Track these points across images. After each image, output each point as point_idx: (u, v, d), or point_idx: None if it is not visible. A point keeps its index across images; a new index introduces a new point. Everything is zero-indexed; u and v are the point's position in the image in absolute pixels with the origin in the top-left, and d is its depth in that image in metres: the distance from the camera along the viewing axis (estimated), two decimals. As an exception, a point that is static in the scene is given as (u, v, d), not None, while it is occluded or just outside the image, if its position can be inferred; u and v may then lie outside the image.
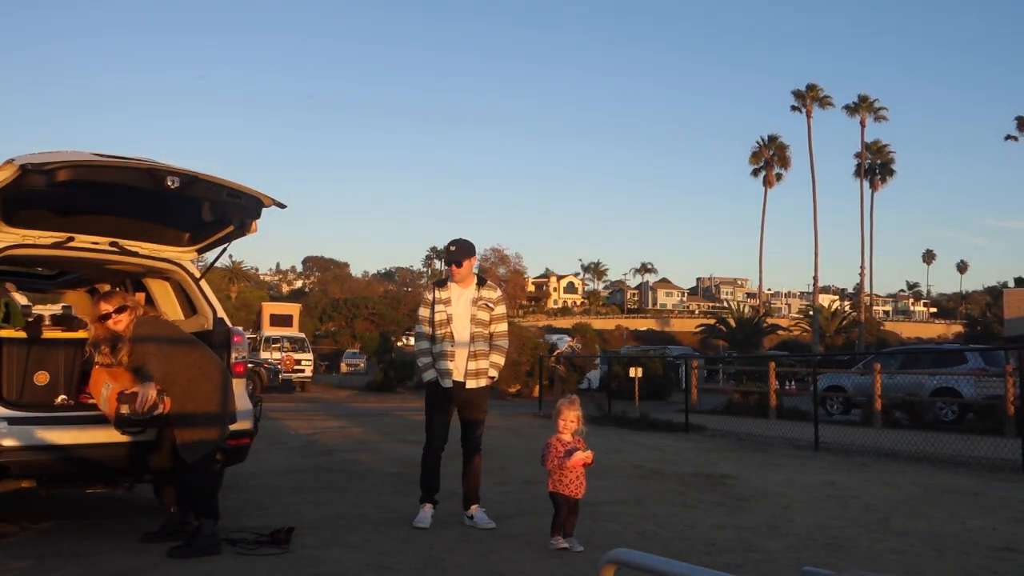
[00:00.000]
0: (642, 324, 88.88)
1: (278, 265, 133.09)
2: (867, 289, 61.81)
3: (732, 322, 49.18)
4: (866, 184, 57.13)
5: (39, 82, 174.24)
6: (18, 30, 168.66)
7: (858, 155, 57.05)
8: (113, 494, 5.74)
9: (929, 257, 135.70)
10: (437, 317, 5.77)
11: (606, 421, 14.98)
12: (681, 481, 7.99)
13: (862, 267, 58.48)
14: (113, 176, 4.71)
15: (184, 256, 5.78)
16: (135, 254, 5.48)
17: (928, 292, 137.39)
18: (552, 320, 76.25)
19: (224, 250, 5.86)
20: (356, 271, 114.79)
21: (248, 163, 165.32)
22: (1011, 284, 70.35)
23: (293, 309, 35.38)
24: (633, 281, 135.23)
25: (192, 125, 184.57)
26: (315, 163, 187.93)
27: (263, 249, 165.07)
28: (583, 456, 4.99)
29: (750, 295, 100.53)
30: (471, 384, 5.72)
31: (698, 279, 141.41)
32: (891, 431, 12.70)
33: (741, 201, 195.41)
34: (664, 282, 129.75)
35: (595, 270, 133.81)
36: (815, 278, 54.25)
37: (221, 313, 5.66)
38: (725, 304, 77.62)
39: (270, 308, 34.53)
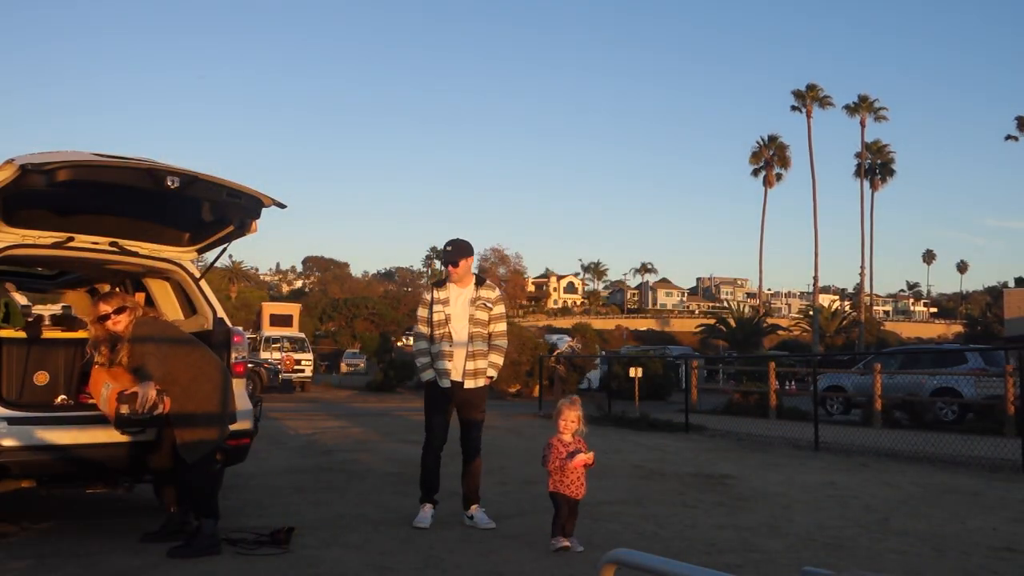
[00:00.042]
0: (642, 324, 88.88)
1: (278, 265, 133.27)
2: (867, 289, 61.84)
3: (732, 322, 49.20)
4: (866, 184, 57.16)
5: (39, 82, 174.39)
6: (18, 30, 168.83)
7: (858, 155, 57.06)
8: (113, 494, 5.74)
9: (929, 257, 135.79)
10: (435, 317, 5.78)
11: (606, 421, 14.98)
12: (681, 481, 7.99)
13: (862, 267, 58.58)
14: (113, 176, 4.71)
15: (184, 256, 5.78)
16: (135, 254, 5.48)
17: (928, 292, 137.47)
18: (552, 320, 76.27)
19: (224, 250, 5.86)
20: (356, 271, 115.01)
21: (248, 163, 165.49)
22: (1011, 284, 70.41)
23: (293, 309, 35.39)
24: (633, 281, 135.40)
25: (192, 125, 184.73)
26: (315, 163, 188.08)
27: (263, 249, 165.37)
28: (585, 457, 4.99)
29: (750, 295, 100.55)
30: (469, 384, 5.72)
31: (698, 279, 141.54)
32: (891, 431, 12.70)
33: (741, 201, 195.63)
34: (664, 282, 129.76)
35: (595, 270, 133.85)
36: (815, 278, 54.29)
37: (221, 313, 5.66)
38: (725, 304, 77.60)
39: (270, 308, 34.54)
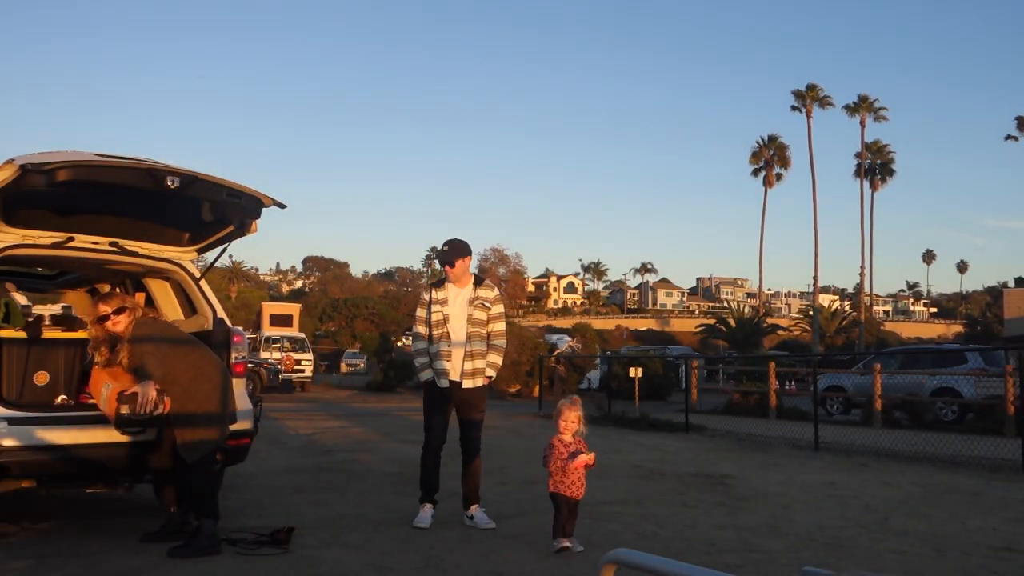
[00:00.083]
0: (642, 324, 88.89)
1: (278, 265, 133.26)
2: (867, 289, 61.83)
3: (732, 322, 49.20)
4: (866, 184, 57.15)
5: (39, 82, 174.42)
6: (18, 30, 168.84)
7: (858, 155, 57.05)
8: (113, 494, 5.74)
9: (929, 257, 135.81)
10: (434, 317, 5.78)
11: (606, 421, 14.98)
12: (681, 481, 7.99)
13: (862, 267, 58.55)
14: (113, 176, 4.71)
15: (184, 256, 5.78)
16: (135, 254, 5.48)
17: (928, 292, 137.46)
18: (552, 320, 76.28)
19: (224, 250, 5.86)
20: (356, 271, 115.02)
21: (248, 163, 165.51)
22: (1011, 284, 70.40)
23: (293, 309, 35.39)
24: (633, 281, 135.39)
25: (192, 125, 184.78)
26: (315, 163, 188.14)
27: (263, 249, 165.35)
28: (586, 458, 4.98)
29: (750, 295, 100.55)
30: (467, 384, 5.72)
31: (698, 279, 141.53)
32: (891, 431, 12.69)
33: (741, 201, 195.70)
34: (664, 282, 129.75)
35: (595, 270, 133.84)
36: (815, 278, 54.28)
37: (221, 313, 5.66)
38: (725, 304, 77.59)
39: (270, 308, 34.54)
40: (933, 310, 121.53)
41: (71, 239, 5.19)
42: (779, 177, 58.60)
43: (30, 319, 5.94)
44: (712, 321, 55.17)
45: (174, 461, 4.79)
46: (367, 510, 6.12)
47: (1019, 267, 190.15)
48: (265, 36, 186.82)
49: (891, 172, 57.89)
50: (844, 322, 57.60)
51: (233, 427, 5.02)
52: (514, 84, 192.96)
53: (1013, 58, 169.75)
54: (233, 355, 5.51)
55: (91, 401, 4.99)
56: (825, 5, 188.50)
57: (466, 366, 5.71)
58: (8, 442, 4.49)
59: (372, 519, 5.78)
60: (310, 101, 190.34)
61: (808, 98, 54.90)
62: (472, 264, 5.99)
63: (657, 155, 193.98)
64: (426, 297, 5.90)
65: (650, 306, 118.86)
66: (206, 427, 4.76)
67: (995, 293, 63.83)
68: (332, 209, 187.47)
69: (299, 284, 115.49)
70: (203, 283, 5.78)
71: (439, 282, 5.93)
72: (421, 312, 5.90)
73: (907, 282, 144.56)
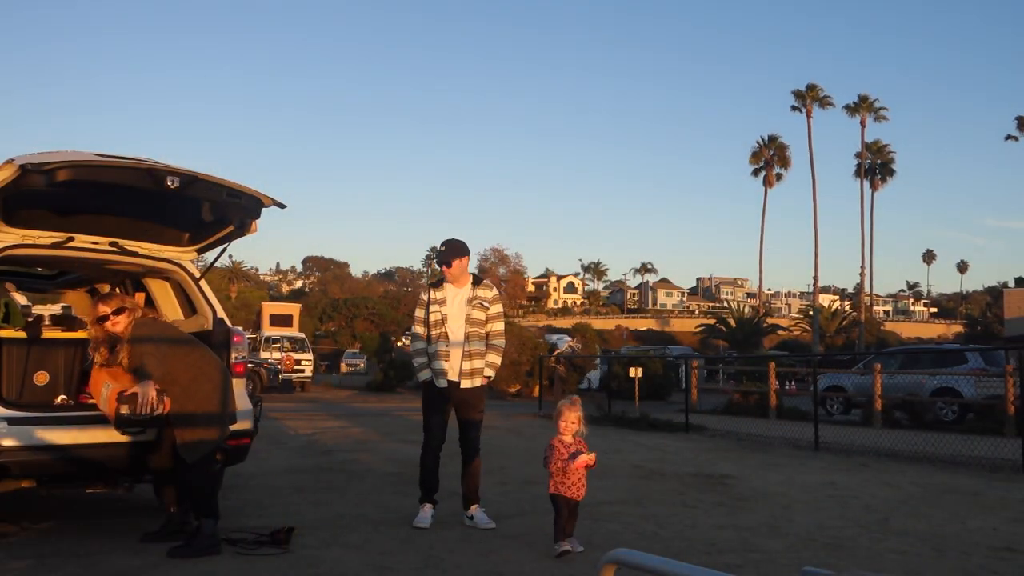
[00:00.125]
0: (642, 324, 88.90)
1: (278, 265, 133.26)
2: (867, 289, 61.84)
3: (732, 322, 49.20)
4: (866, 184, 57.16)
5: (39, 82, 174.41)
6: (18, 30, 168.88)
7: (858, 155, 57.06)
8: (113, 494, 5.74)
9: (929, 257, 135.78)
10: (432, 317, 5.78)
11: (606, 421, 14.98)
12: (681, 481, 7.99)
13: (862, 267, 58.56)
14: (113, 176, 4.71)
15: (184, 256, 5.78)
16: (135, 254, 5.48)
17: (928, 292, 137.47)
18: (552, 320, 76.28)
19: (224, 250, 5.86)
20: (356, 271, 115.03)
21: (248, 163, 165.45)
22: (1011, 284, 70.45)
23: (293, 309, 35.39)
24: (633, 281, 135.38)
25: (192, 125, 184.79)
26: (315, 163, 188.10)
27: (263, 249, 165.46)
28: (587, 458, 4.98)
29: (750, 295, 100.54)
30: (466, 384, 5.72)
31: (698, 279, 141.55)
32: (891, 431, 12.69)
33: (741, 201, 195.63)
34: (664, 282, 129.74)
35: (595, 270, 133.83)
36: (815, 278, 54.28)
37: (221, 313, 5.66)
38: (725, 304, 77.60)
39: (270, 308, 34.54)
40: (933, 310, 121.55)
41: (71, 239, 5.19)
42: (779, 177, 58.65)
43: (30, 319, 5.93)
44: (712, 321, 55.17)
45: (174, 461, 4.79)
46: (367, 510, 6.12)
47: (1019, 267, 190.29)
48: (265, 36, 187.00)
49: (891, 172, 57.91)
50: (844, 322, 57.61)
51: (233, 427, 5.02)
52: (514, 84, 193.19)
53: (1013, 58, 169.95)
54: (233, 355, 5.51)
55: (91, 401, 4.99)
56: (825, 5, 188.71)
57: (464, 366, 5.71)
58: (8, 442, 4.49)
59: (372, 519, 5.78)
60: (310, 101, 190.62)
61: (808, 98, 54.91)
62: (471, 264, 5.99)
63: (657, 155, 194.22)
64: (424, 297, 5.91)
65: (650, 306, 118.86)
66: (206, 427, 4.76)
67: (995, 293, 63.84)
68: (332, 209, 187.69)
69: (299, 284, 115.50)
70: (203, 283, 5.78)
71: (438, 282, 5.93)
72: (419, 312, 5.90)
73: (907, 282, 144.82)
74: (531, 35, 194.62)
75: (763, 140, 58.58)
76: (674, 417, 14.94)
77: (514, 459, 9.13)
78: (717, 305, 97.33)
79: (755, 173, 59.05)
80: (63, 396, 5.36)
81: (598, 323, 70.72)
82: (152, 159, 5.07)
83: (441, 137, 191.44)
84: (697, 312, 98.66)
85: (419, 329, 5.88)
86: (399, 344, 34.59)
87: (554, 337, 34.06)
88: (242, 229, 5.49)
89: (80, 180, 4.54)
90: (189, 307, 5.87)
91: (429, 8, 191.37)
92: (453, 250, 5.79)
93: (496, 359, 5.86)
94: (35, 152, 4.55)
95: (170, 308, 5.96)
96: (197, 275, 5.81)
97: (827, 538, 5.50)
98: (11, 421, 4.56)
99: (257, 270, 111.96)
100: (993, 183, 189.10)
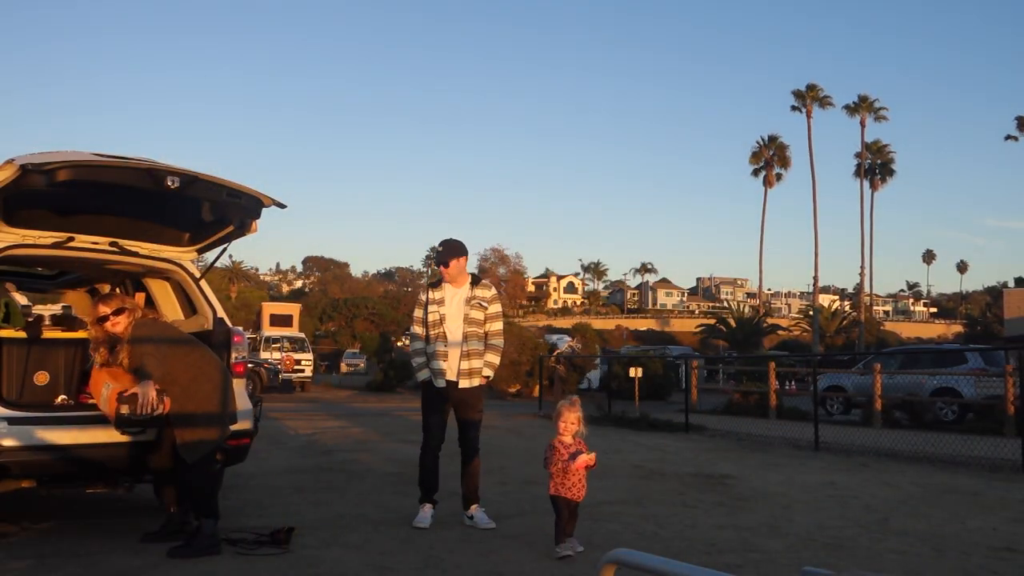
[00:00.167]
0: (642, 324, 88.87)
1: (278, 265, 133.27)
2: (867, 289, 61.83)
3: (732, 322, 49.20)
4: (866, 184, 57.17)
5: (39, 82, 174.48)
6: (18, 30, 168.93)
7: (858, 155, 57.06)
8: (113, 494, 5.74)
9: (929, 257, 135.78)
10: (430, 317, 5.78)
11: (606, 421, 14.98)
12: (681, 481, 7.99)
13: (862, 267, 58.57)
14: (113, 176, 4.71)
15: (184, 256, 5.78)
16: (135, 254, 5.48)
17: (928, 292, 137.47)
18: (552, 320, 76.27)
19: (224, 250, 5.86)
20: (356, 271, 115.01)
21: (248, 163, 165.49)
22: (1011, 284, 70.41)
23: (293, 309, 35.40)
24: (633, 281, 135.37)
25: (192, 125, 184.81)
26: (315, 163, 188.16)
27: (263, 249, 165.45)
28: (587, 459, 4.97)
29: (750, 295, 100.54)
30: (464, 384, 5.72)
31: (698, 279, 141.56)
32: (891, 431, 12.69)
33: (741, 201, 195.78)
34: (664, 282, 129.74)
35: (595, 270, 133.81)
36: (815, 278, 54.27)
37: (221, 313, 5.66)
38: (725, 304, 77.59)
39: (270, 308, 34.55)
40: (933, 310, 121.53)
41: (71, 239, 5.19)
42: (779, 177, 58.65)
43: (30, 319, 5.93)
44: (712, 321, 55.17)
45: (174, 461, 4.79)
46: (367, 510, 6.13)
47: (1019, 267, 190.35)
48: (265, 36, 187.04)
49: (891, 172, 57.92)
50: (844, 322, 57.60)
51: (233, 427, 5.02)
52: (514, 84, 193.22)
53: (1013, 58, 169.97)
54: (233, 355, 5.51)
55: (91, 401, 4.99)
56: (825, 5, 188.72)
57: (463, 366, 5.71)
58: (8, 442, 4.49)
59: (372, 519, 5.78)
60: (310, 101, 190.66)
61: (808, 98, 54.91)
62: (471, 264, 5.99)
63: (657, 155, 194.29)
64: (423, 297, 5.91)
65: (650, 306, 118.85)
66: (206, 427, 4.76)
67: (995, 293, 63.85)
68: (332, 209, 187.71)
69: (299, 284, 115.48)
70: (203, 283, 5.78)
71: (436, 282, 5.94)
72: (418, 312, 5.91)
73: (907, 282, 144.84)
74: (531, 35, 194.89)
75: (763, 140, 58.62)
76: (674, 417, 14.94)
77: (514, 459, 9.13)
78: (717, 305, 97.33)
79: (755, 173, 59.10)
80: (63, 396, 5.36)
81: (598, 323, 70.72)
82: (152, 159, 5.07)
83: (441, 137, 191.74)
84: (697, 312, 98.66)
85: (418, 329, 5.89)
86: (399, 344, 34.59)
87: (554, 337, 34.06)
88: (242, 229, 5.49)
89: (80, 180, 4.54)
90: (189, 307, 5.87)
91: (429, 8, 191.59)
92: (450, 250, 5.79)
93: (494, 359, 5.86)
94: (35, 152, 4.55)
95: (170, 308, 5.96)
96: (197, 275, 5.81)
97: (827, 538, 5.50)
98: (11, 421, 4.56)
99: (257, 270, 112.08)
100: (993, 183, 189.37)
